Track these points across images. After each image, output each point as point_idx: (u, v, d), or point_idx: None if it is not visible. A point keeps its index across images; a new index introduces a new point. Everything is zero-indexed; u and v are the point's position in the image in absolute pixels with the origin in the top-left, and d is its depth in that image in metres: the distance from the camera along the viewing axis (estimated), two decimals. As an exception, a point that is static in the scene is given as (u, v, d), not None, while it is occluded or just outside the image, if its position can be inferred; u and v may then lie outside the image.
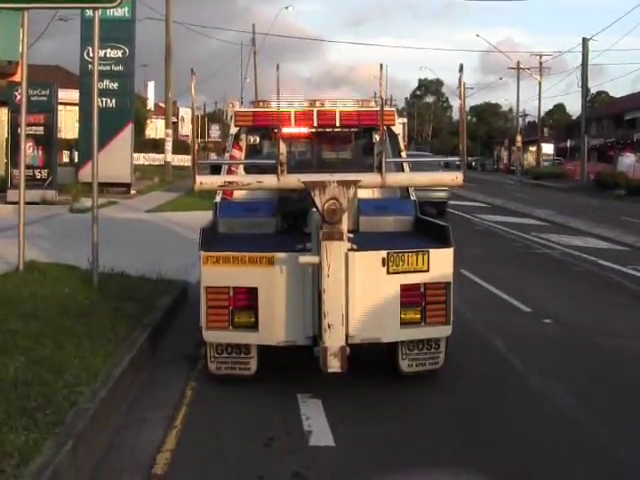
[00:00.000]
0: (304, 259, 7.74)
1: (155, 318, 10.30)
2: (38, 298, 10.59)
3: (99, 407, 6.88)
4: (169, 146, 45.73)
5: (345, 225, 7.69)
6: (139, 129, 57.30)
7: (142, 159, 59.91)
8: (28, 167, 26.45)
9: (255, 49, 72.47)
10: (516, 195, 44.36)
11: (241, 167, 10.36)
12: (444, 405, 8.11)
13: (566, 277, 16.49)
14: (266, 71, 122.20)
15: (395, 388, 8.48)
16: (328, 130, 10.42)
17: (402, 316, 8.16)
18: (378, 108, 9.89)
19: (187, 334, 10.19)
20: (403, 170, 10.13)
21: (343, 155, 11.00)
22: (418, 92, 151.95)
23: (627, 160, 58.89)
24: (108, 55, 32.75)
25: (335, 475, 6.30)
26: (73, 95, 37.92)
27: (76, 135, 37.20)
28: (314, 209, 8.04)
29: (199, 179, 8.00)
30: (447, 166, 25.28)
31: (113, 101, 33.24)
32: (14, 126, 26.80)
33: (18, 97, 26.63)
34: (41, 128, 27.22)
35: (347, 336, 7.70)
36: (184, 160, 57.19)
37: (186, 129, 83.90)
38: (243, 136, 10.53)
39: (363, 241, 8.33)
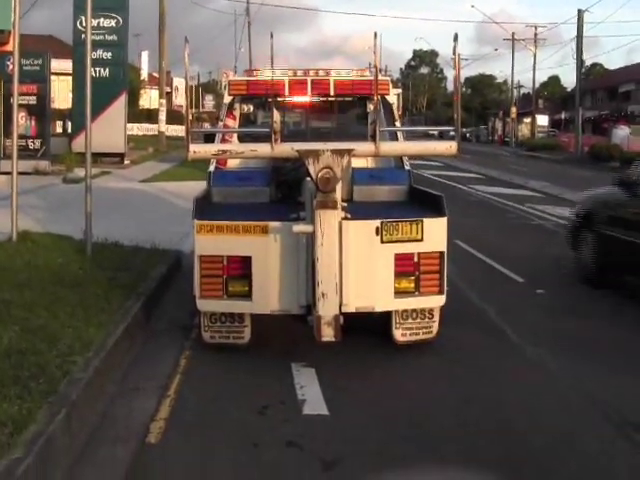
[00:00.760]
0: (298, 228, 7.73)
1: (149, 287, 10.29)
2: (32, 268, 10.57)
3: (92, 376, 6.87)
4: (163, 116, 45.58)
5: (339, 194, 7.68)
6: (133, 99, 56.87)
7: (136, 129, 59.61)
8: (21, 137, 26.23)
9: (249, 19, 72.15)
10: (510, 166, 44.27)
11: (235, 136, 10.32)
12: (438, 372, 8.14)
13: (560, 248, 16.47)
14: (260, 41, 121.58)
15: (389, 357, 8.51)
16: (322, 99, 10.38)
17: (396, 285, 8.18)
18: (372, 77, 9.87)
19: (181, 303, 10.20)
20: (397, 140, 10.11)
21: (337, 124, 10.98)
22: (413, 63, 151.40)
23: (621, 132, 58.77)
24: (101, 24, 32.50)
25: (329, 443, 6.31)
26: (66, 65, 37.69)
27: (69, 105, 36.98)
28: (308, 178, 8.03)
29: (192, 148, 7.97)
30: (441, 136, 25.10)
31: (106, 70, 33.01)
32: (6, 96, 26.66)
33: (10, 67, 26.51)
34: (34, 98, 27.00)
35: (341, 305, 7.70)
36: (178, 130, 56.82)
37: (180, 99, 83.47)
38: (237, 105, 10.50)
39: (357, 210, 8.32)
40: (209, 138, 10.76)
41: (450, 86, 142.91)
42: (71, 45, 35.43)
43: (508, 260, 14.17)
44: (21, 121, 26.19)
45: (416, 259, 8.24)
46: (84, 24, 31.91)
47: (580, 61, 55.88)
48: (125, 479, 5.71)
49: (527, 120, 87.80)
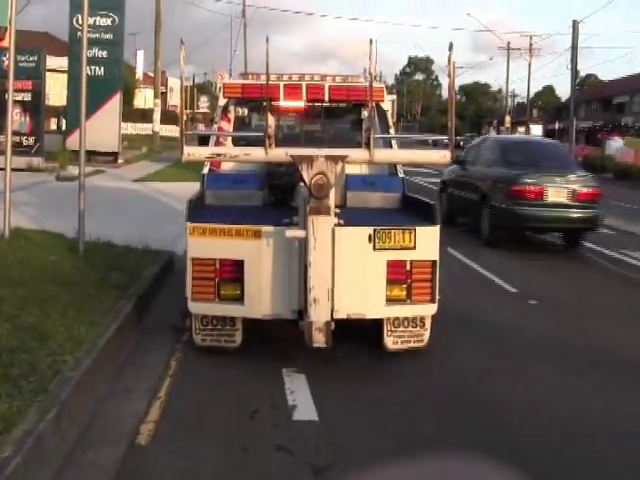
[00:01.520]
0: (291, 233, 7.73)
1: (141, 288, 10.29)
2: (24, 265, 10.54)
3: (83, 376, 6.87)
4: (157, 116, 45.60)
5: (332, 200, 7.69)
6: (128, 98, 56.93)
7: (130, 128, 59.60)
8: (15, 134, 26.20)
9: (245, 21, 72.11)
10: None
11: (229, 139, 10.33)
12: (428, 381, 8.13)
13: (552, 259, 16.55)
14: (256, 43, 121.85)
15: (379, 364, 8.52)
16: (317, 104, 10.40)
17: (388, 293, 8.18)
18: (367, 84, 9.90)
19: (173, 305, 10.20)
20: (391, 147, 10.13)
21: (331, 130, 10.99)
22: (408, 69, 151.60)
23: (615, 144, 58.90)
24: (97, 23, 32.50)
25: (318, 449, 6.31)
26: (61, 62, 37.77)
27: (64, 102, 36.96)
28: (301, 183, 8.04)
29: (187, 150, 7.97)
30: (435, 144, 25.19)
31: (102, 69, 33.03)
32: (1, 92, 26.62)
33: (5, 62, 26.46)
34: (29, 94, 26.97)
35: (332, 311, 7.70)
36: (172, 130, 56.90)
37: (175, 99, 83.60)
38: (232, 108, 10.50)
39: (350, 217, 8.33)
40: (204, 140, 10.78)
41: (445, 93, 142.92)
42: (67, 42, 35.42)
43: (501, 270, 14.21)
44: (15, 117, 26.14)
45: (408, 267, 8.25)
46: (80, 22, 32.08)
47: (575, 72, 55.93)
48: (114, 480, 5.71)
49: (521, 129, 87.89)
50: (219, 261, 8.07)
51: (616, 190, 38.30)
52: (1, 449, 5.17)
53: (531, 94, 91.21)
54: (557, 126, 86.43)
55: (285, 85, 10.03)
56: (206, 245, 8.04)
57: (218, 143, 10.11)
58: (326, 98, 10.16)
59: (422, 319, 8.60)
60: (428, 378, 8.24)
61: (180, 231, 14.72)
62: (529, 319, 10.87)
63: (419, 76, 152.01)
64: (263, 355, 8.54)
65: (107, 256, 11.74)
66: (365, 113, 10.22)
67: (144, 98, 78.23)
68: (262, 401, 7.27)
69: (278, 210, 9.20)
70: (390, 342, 8.59)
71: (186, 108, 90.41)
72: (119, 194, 21.89)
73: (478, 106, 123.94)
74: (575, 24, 52.88)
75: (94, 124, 32.15)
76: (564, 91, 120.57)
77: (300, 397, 7.40)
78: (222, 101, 10.46)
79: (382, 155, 8.56)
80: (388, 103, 10.54)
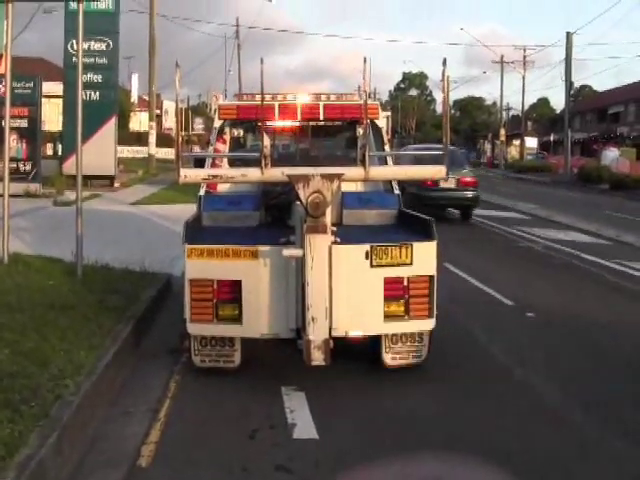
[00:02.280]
0: (288, 252, 7.78)
1: (139, 311, 10.31)
2: (22, 290, 10.59)
3: (83, 400, 6.89)
4: (153, 139, 45.67)
5: (329, 218, 7.73)
6: (123, 122, 57.19)
7: (126, 152, 59.72)
8: (12, 160, 26.22)
9: (239, 42, 72.37)
10: (499, 189, 44.36)
11: (225, 161, 10.38)
12: (428, 397, 8.15)
13: (549, 270, 16.59)
14: (250, 63, 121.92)
15: (378, 381, 8.53)
16: (312, 123, 10.45)
17: (385, 309, 8.21)
18: (362, 101, 9.96)
19: (171, 327, 10.23)
20: (387, 164, 10.19)
21: (327, 148, 11.05)
22: (402, 85, 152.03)
23: (611, 154, 59.11)
24: (92, 48, 32.61)
25: (318, 467, 6.34)
26: (57, 87, 37.81)
27: (60, 127, 37.06)
28: (298, 202, 8.09)
29: (183, 172, 8.02)
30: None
31: (97, 94, 33.11)
32: (-2, 119, 26.73)
33: (2, 89, 26.58)
34: (25, 121, 26.98)
35: (330, 329, 7.73)
36: (168, 153, 57.01)
37: (170, 122, 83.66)
38: (227, 129, 10.56)
39: (346, 234, 8.37)
40: (200, 162, 10.83)
41: (439, 108, 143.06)
42: (62, 67, 35.51)
43: (498, 283, 14.25)
44: (12, 144, 26.20)
45: (405, 283, 8.27)
46: (75, 47, 32.24)
47: (569, 83, 56.16)
48: (116, 503, 5.74)
49: (516, 142, 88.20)
50: (217, 282, 8.11)
51: (612, 200, 38.50)
52: (3, 474, 5.20)
53: (526, 106, 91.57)
54: (552, 138, 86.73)
55: (280, 105, 10.08)
56: (204, 266, 8.08)
57: (214, 165, 10.16)
58: (321, 117, 10.21)
59: (420, 335, 8.63)
60: (428, 394, 8.26)
61: (177, 253, 14.77)
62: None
63: (413, 91, 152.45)
64: (262, 374, 8.59)
65: (105, 279, 11.78)
66: (360, 130, 10.27)
67: (139, 121, 78.32)
68: (262, 420, 7.30)
69: (275, 230, 9.24)
70: (388, 358, 8.62)
71: (181, 130, 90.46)
72: (116, 217, 21.94)
73: (472, 120, 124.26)
74: (569, 36, 53.18)
75: (90, 148, 32.11)
76: (559, 103, 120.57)
77: (300, 415, 7.44)
78: (217, 123, 10.51)
79: (377, 172, 8.61)
80: (383, 120, 10.59)
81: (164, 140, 63.63)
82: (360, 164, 8.20)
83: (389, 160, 10.31)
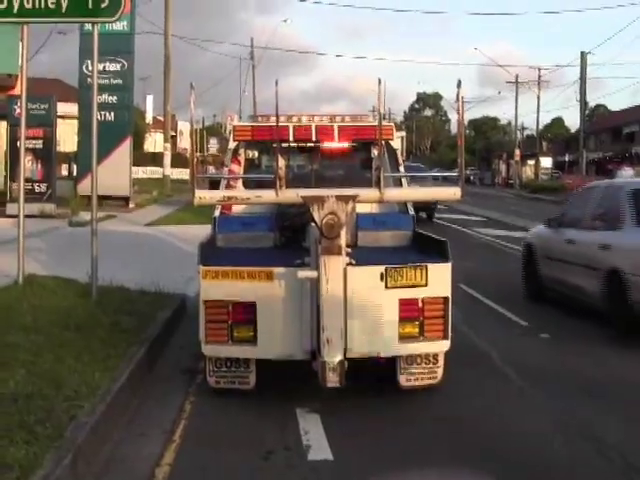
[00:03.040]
0: (303, 274, 7.78)
1: (154, 332, 10.34)
2: (38, 311, 10.60)
3: (98, 421, 6.90)
4: (167, 160, 45.79)
5: (344, 240, 7.74)
6: (138, 142, 57.33)
7: (140, 172, 59.90)
8: (27, 180, 26.33)
9: (254, 63, 72.57)
10: (514, 209, 44.30)
11: (240, 182, 10.40)
12: (443, 418, 8.13)
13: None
14: (264, 83, 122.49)
15: (393, 402, 8.51)
16: (326, 145, 10.46)
17: (400, 330, 8.20)
18: (376, 123, 9.98)
19: (186, 347, 10.27)
20: (401, 185, 10.19)
21: (341, 169, 11.05)
22: (416, 105, 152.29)
23: (625, 174, 58.82)
24: (107, 68, 32.80)
25: (334, 489, 6.33)
26: (71, 108, 38.02)
27: (74, 148, 37.22)
28: (312, 223, 8.10)
29: (198, 194, 8.04)
30: (445, 179, 25.23)
31: (112, 114, 33.30)
32: (13, 140, 26.81)
33: (17, 111, 26.66)
34: (40, 142, 27.17)
35: (345, 350, 7.72)
36: (182, 173, 57.27)
37: (184, 142, 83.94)
38: (242, 150, 10.57)
39: (361, 256, 8.36)
40: (214, 183, 10.86)
41: (454, 128, 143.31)
42: (76, 87, 35.69)
43: (513, 305, 14.21)
44: (27, 165, 26.33)
45: (420, 304, 8.26)
46: (90, 68, 32.38)
47: (584, 103, 56.14)
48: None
49: (531, 162, 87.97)
50: (232, 303, 8.11)
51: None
52: (18, 496, 5.21)
53: (540, 126, 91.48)
54: (567, 158, 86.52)
55: (294, 126, 10.09)
56: (218, 288, 8.08)
57: (229, 186, 10.18)
58: (335, 138, 10.21)
59: (435, 356, 8.60)
60: (443, 415, 8.24)
61: (191, 273, 14.80)
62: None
63: (428, 112, 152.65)
64: (276, 395, 8.56)
65: (120, 300, 11.80)
66: (375, 151, 10.28)
67: (154, 142, 78.66)
68: (276, 442, 7.29)
69: (289, 251, 9.25)
70: (403, 380, 8.59)
71: (196, 151, 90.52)
72: (131, 238, 21.99)
73: (487, 140, 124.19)
74: (583, 55, 53.13)
75: (105, 169, 32.18)
76: (573, 122, 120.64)
77: (314, 437, 7.43)
78: (232, 144, 10.53)
79: (392, 194, 8.62)
80: (397, 141, 10.58)
81: (179, 160, 63.88)
82: (375, 185, 8.21)
83: (404, 181, 10.32)
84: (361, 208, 9.82)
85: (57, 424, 6.51)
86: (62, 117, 38.49)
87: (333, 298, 7.57)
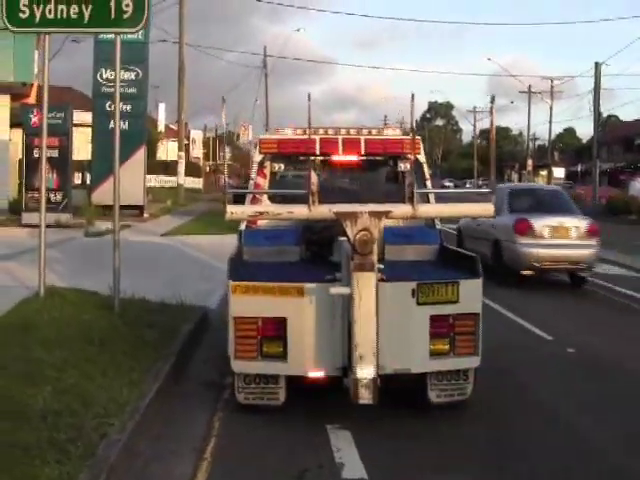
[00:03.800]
0: (335, 290, 7.68)
1: (177, 346, 10.25)
2: (61, 325, 10.51)
3: (129, 439, 6.82)
4: (182, 168, 45.69)
5: (375, 256, 7.64)
6: (150, 151, 57.09)
7: (153, 181, 59.83)
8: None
9: (266, 71, 72.41)
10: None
11: (265, 195, 10.31)
12: (474, 435, 8.05)
13: (585, 304, 16.42)
14: (275, 92, 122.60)
15: (423, 418, 8.41)
16: (353, 158, 10.36)
17: (431, 347, 8.10)
18: (403, 136, 9.94)
19: (211, 362, 10.23)
20: (428, 200, 10.10)
21: (367, 183, 10.95)
22: (428, 115, 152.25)
23: (639, 185, 58.67)
24: (122, 77, 32.58)
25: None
26: (84, 116, 38.03)
27: (87, 156, 37.15)
28: (343, 238, 8.01)
29: (230, 209, 7.93)
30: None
31: (126, 123, 33.14)
32: (29, 148, 26.76)
33: (34, 120, 26.67)
34: (56, 151, 26.86)
35: (377, 367, 7.62)
36: (196, 182, 57.22)
37: (197, 151, 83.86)
38: (267, 163, 10.47)
39: (391, 271, 8.25)
40: (239, 196, 10.76)
41: (465, 138, 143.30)
42: (89, 96, 35.67)
43: (534, 317, 14.08)
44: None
45: (451, 320, 8.17)
46: (104, 76, 32.44)
47: (597, 113, 55.93)
48: None
49: (543, 172, 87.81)
50: (262, 319, 8.01)
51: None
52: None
53: (552, 136, 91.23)
54: (579, 168, 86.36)
55: (321, 139, 10.00)
56: (248, 303, 7.98)
57: (254, 200, 10.09)
58: (362, 151, 10.12)
59: (465, 372, 8.50)
60: (472, 430, 8.16)
61: (212, 285, 14.76)
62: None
63: (439, 121, 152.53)
64: (305, 412, 8.44)
65: (142, 313, 11.70)
66: (402, 165, 10.21)
67: (166, 150, 78.68)
68: (309, 460, 7.18)
69: (318, 265, 9.16)
70: (433, 396, 8.47)
71: (208, 160, 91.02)
72: (148, 249, 21.86)
73: (500, 149, 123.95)
74: (597, 66, 53.00)
75: (119, 178, 32.31)
76: (585, 132, 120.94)
77: (347, 455, 7.32)
78: (258, 157, 10.43)
79: (425, 210, 8.52)
80: (424, 155, 10.47)
81: (192, 169, 63.87)
82: (408, 201, 8.13)
83: (431, 197, 10.24)
84: (388, 222, 9.71)
85: (88, 442, 6.45)
86: (75, 125, 38.54)
87: (366, 315, 7.46)
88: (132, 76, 33.30)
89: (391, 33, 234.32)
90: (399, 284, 8.04)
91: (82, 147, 45.52)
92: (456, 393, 8.54)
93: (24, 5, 11.63)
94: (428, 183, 10.42)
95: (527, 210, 18.77)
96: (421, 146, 10.39)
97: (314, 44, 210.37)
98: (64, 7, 11.55)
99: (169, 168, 61.91)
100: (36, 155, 25.94)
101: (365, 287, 7.46)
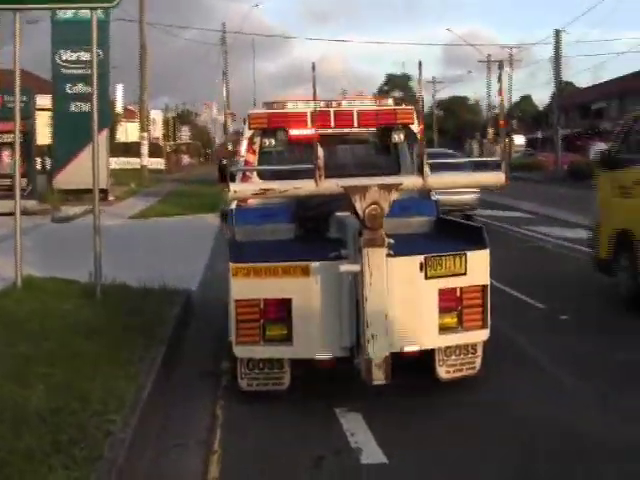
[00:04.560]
0: (345, 267, 7.31)
1: (167, 332, 9.83)
2: (44, 317, 10.01)
3: (134, 435, 6.41)
4: (145, 150, 45.05)
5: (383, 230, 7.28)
6: (110, 133, 56.49)
7: (114, 164, 58.92)
8: (6, 176, 25.66)
9: (225, 49, 71.11)
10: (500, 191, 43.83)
11: (254, 173, 9.89)
12: (486, 407, 7.80)
13: (568, 269, 16.20)
14: (233, 70, 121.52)
15: (432, 395, 8.13)
16: (346, 131, 10.00)
17: (440, 322, 7.82)
18: (395, 106, 9.71)
19: (202, 347, 9.95)
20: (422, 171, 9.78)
21: (361, 156, 10.57)
22: (385, 87, 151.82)
23: (598, 149, 58.71)
24: (82, 58, 32.06)
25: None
26: (43, 100, 37.21)
27: (47, 141, 36.38)
28: (342, 214, 7.70)
29: (233, 187, 7.51)
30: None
31: (88, 105, 32.50)
32: (-10, 136, 25.95)
33: (-5, 105, 25.85)
34: (19, 135, 26.23)
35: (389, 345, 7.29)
36: (158, 163, 56.47)
37: (157, 132, 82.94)
38: (257, 139, 10.05)
39: (397, 246, 7.89)
40: (224, 174, 10.36)
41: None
42: (44, 79, 34.91)
43: (522, 285, 13.79)
44: (6, 160, 25.60)
45: (459, 293, 7.89)
46: (63, 58, 31.70)
47: (559, 81, 55.96)
48: None
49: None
50: (264, 301, 7.62)
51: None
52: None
53: (509, 105, 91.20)
54: (539, 135, 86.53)
55: (312, 112, 9.61)
56: (250, 285, 7.58)
57: (245, 177, 9.69)
58: (355, 124, 9.76)
59: (474, 346, 8.24)
60: (484, 406, 7.85)
61: (191, 267, 14.37)
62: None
63: (397, 93, 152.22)
64: (310, 395, 8.05)
65: (125, 299, 11.24)
66: (395, 136, 9.89)
67: (125, 132, 77.66)
68: (324, 446, 6.83)
69: (315, 243, 8.80)
70: (443, 372, 8.20)
71: (167, 140, 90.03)
72: (119, 232, 21.25)
73: (458, 120, 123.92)
74: (558, 33, 53.05)
75: (82, 161, 31.59)
76: (541, 99, 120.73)
77: (362, 438, 6.99)
78: (247, 132, 10.01)
79: (436, 180, 8.15)
80: (417, 125, 10.11)
81: (153, 150, 62.95)
82: (417, 172, 7.80)
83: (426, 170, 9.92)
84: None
85: (93, 443, 6.01)
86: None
87: (377, 292, 7.12)
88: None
89: (346, 5, 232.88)
90: (407, 258, 7.69)
91: (41, 131, 44.68)
92: (465, 368, 8.29)
93: (-3, -18, 11.08)
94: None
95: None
96: (414, 116, 10.04)
97: (269, 20, 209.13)
98: (38, -18, 11.01)
99: (129, 150, 61.06)
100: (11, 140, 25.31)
101: (376, 263, 7.11)
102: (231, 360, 8.18)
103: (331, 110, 9.72)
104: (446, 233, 9.42)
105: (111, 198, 32.69)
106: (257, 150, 10.04)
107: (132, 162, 54.61)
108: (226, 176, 8.43)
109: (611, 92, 79.08)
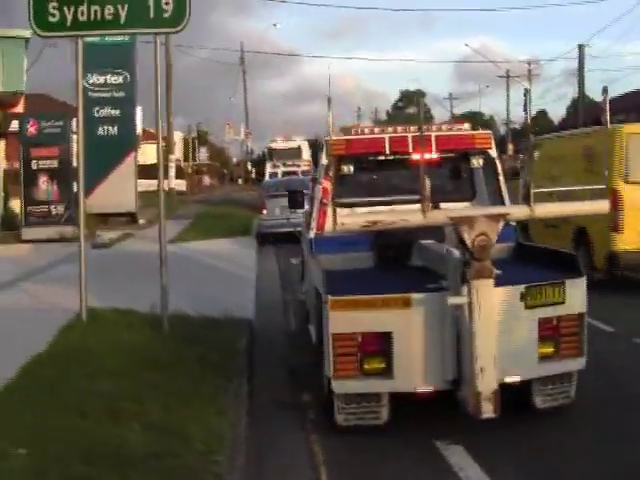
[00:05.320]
0: (454, 300, 7.12)
1: (242, 364, 9.77)
2: (116, 351, 9.84)
3: (243, 477, 6.26)
4: (173, 172, 44.70)
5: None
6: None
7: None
8: (43, 202, 25.50)
9: (244, 68, 71.02)
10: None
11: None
12: (587, 436, 7.70)
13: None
14: (248, 88, 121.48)
15: (530, 425, 7.87)
16: (425, 156, 9.85)
17: (539, 351, 7.67)
18: (472, 131, 9.92)
19: (271, 376, 9.97)
20: (503, 200, 9.64)
21: (437, 181, 10.41)
22: (400, 104, 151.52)
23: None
24: (109, 81, 32.08)
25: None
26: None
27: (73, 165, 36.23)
28: (428, 242, 7.75)
29: (340, 219, 7.26)
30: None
31: (115, 128, 32.65)
32: (27, 160, 25.65)
33: (30, 130, 25.68)
34: (55, 161, 25.71)
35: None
36: (180, 184, 56.08)
37: (178, 152, 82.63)
38: (335, 166, 9.87)
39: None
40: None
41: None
42: (65, 102, 34.72)
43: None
44: (42, 185, 25.41)
45: (557, 322, 7.74)
46: (91, 81, 31.59)
47: (582, 95, 55.94)
48: None
49: (521, 156, 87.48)
50: (362, 334, 7.42)
51: None
52: None
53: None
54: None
55: (391, 138, 9.46)
56: (348, 318, 7.39)
57: (322, 207, 9.55)
58: (433, 149, 9.59)
59: (569, 374, 8.06)
60: (585, 433, 7.79)
61: (243, 295, 14.24)
62: None
63: (411, 109, 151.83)
64: (404, 428, 7.81)
65: (191, 331, 11.08)
66: (474, 162, 9.76)
67: (144, 154, 77.34)
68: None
69: (402, 272, 8.69)
70: (539, 401, 8.00)
71: (186, 160, 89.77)
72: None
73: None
74: (581, 48, 52.97)
75: (111, 185, 31.53)
76: (556, 114, 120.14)
77: (472, 474, 6.78)
78: (325, 160, 9.87)
79: (543, 210, 7.96)
80: (495, 150, 9.96)
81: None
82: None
83: (505, 196, 9.76)
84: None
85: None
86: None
87: (486, 325, 6.96)
88: (120, 80, 32.48)
89: (360, 25, 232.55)
90: (509, 288, 7.52)
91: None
92: (561, 397, 8.11)
93: (54, 8, 10.93)
94: (501, 179, 9.93)
95: None
96: (492, 141, 9.89)
97: (281, 39, 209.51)
98: (97, 8, 10.85)
99: (149, 171, 60.71)
100: (34, 167, 25.14)
101: (484, 295, 6.94)
102: (310, 393, 8.23)
103: (409, 136, 9.55)
104: (528, 260, 9.24)
105: (141, 221, 32.46)
106: (334, 176, 9.85)
107: (153, 184, 54.14)
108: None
109: (629, 105, 78.98)
